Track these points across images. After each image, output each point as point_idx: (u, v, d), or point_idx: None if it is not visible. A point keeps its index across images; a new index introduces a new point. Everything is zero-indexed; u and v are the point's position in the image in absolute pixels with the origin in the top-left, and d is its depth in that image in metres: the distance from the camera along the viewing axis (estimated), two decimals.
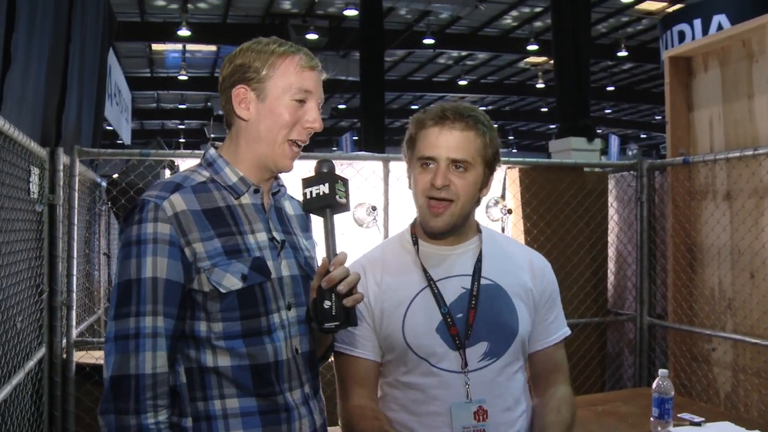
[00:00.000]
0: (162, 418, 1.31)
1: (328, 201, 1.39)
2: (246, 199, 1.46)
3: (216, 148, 1.50)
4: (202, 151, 1.53)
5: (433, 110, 1.64)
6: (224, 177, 1.45)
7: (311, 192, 1.40)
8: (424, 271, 1.67)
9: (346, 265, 1.37)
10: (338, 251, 1.38)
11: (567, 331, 1.80)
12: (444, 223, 1.62)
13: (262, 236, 1.45)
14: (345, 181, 1.42)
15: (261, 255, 1.42)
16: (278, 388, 1.41)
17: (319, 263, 1.38)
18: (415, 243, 1.71)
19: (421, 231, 1.71)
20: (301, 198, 1.44)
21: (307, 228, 1.64)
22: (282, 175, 1.55)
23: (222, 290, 1.36)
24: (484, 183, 1.66)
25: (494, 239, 1.78)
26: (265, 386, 1.40)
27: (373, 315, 1.67)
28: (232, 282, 1.37)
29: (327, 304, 1.35)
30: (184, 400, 1.36)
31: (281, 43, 1.46)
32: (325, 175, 1.40)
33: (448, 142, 1.59)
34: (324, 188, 1.39)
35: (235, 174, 1.45)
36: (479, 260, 1.68)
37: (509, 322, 1.66)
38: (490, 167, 1.65)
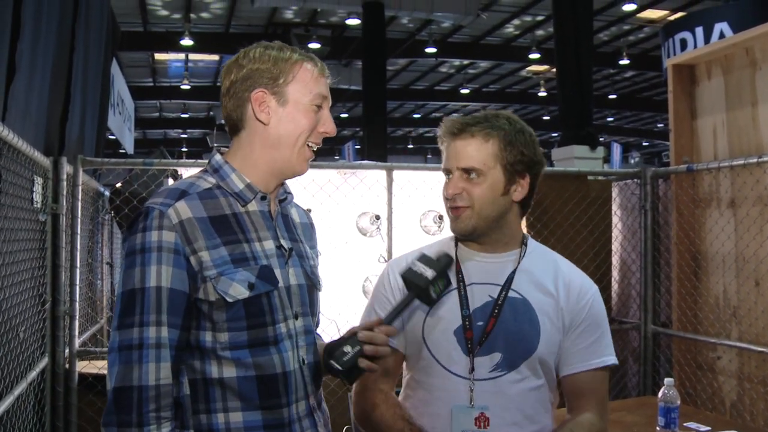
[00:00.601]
0: (165, 430, 1.28)
1: (423, 286, 1.46)
2: (253, 206, 1.44)
3: (222, 153, 1.48)
4: (206, 161, 1.52)
5: (447, 125, 1.70)
6: (230, 183, 1.42)
7: (419, 267, 1.48)
8: (458, 272, 1.69)
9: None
10: (393, 323, 1.47)
11: (607, 360, 1.70)
12: (464, 225, 1.66)
13: (270, 244, 1.43)
14: (448, 282, 1.50)
15: (268, 263, 1.40)
16: (284, 400, 1.39)
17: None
18: (456, 245, 1.75)
19: None
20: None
21: (311, 237, 1.63)
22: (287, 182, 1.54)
23: (228, 299, 1.33)
24: (508, 186, 1.66)
25: (541, 256, 1.76)
26: (271, 398, 1.37)
27: None
28: (238, 291, 1.34)
29: (347, 349, 1.39)
30: (186, 412, 1.34)
31: (293, 49, 1.46)
32: (442, 265, 1.48)
33: (456, 153, 1.66)
34: (429, 273, 1.47)
35: (241, 181, 1.43)
36: (513, 272, 1.69)
37: (529, 337, 1.64)
38: (513, 170, 1.65)
